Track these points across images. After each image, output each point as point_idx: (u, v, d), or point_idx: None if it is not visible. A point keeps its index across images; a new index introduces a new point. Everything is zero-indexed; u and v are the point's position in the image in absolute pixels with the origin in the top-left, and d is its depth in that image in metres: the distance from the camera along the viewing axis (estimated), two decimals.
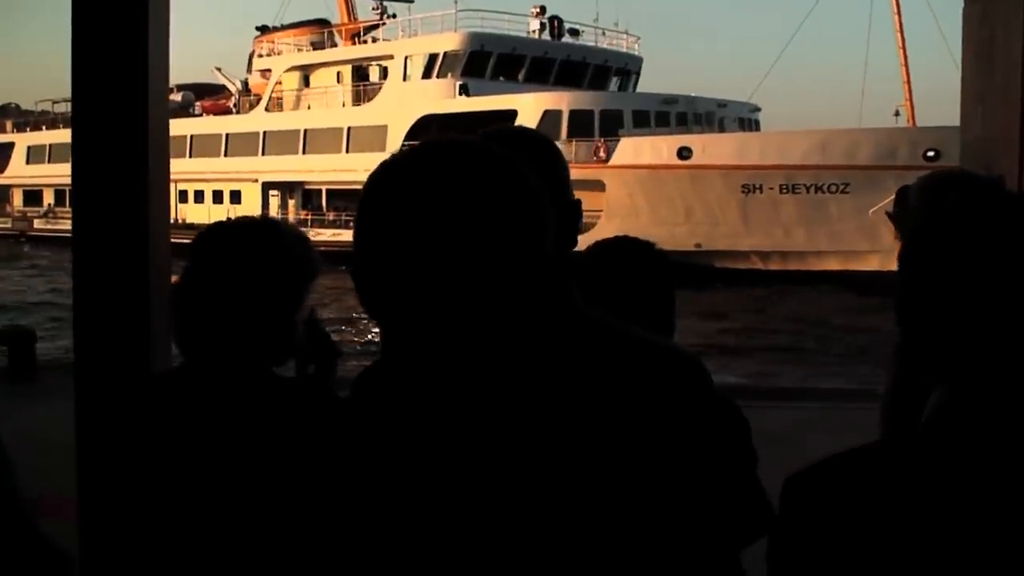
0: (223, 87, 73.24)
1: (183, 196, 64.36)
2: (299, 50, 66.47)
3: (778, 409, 9.92)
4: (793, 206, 44.17)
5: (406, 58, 58.02)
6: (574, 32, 60.46)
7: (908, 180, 4.55)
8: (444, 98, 54.80)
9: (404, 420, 1.96)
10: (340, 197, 58.00)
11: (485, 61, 56.22)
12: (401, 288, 1.84)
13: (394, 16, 64.82)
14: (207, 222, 3.46)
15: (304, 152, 60.53)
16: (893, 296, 1.86)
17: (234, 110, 68.83)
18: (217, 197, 64.53)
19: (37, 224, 72.20)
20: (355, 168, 53.73)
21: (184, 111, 69.31)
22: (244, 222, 3.20)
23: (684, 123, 52.78)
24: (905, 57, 51.42)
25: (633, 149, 47.15)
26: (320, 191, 61.00)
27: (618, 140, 48.32)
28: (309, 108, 63.70)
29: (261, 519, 2.81)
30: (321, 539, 2.05)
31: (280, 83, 65.22)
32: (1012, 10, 4.82)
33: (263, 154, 62.50)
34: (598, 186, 46.77)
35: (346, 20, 68.81)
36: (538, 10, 58.88)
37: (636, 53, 65.08)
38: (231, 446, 2.92)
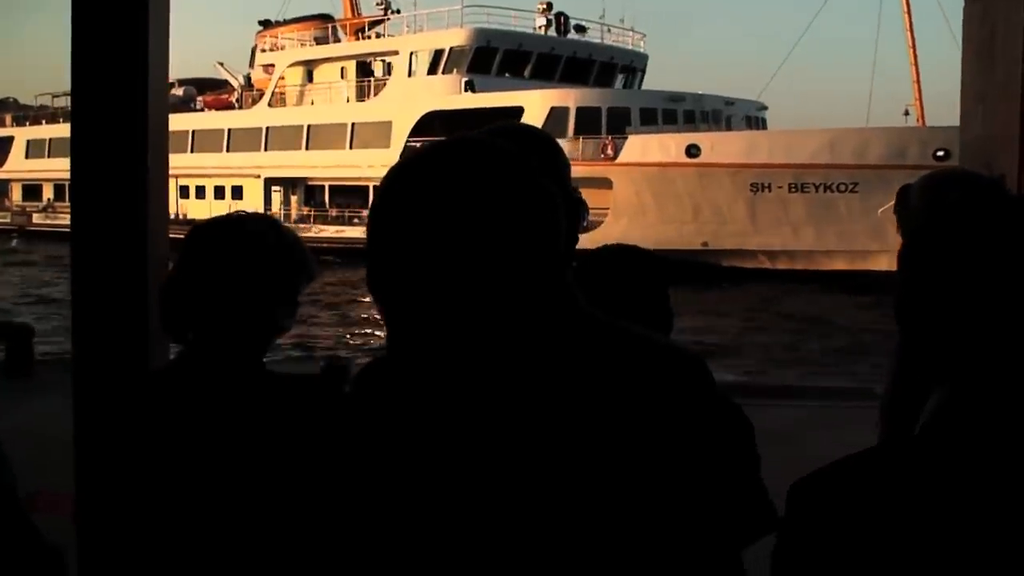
0: (225, 82, 72.94)
1: (184, 191, 64.20)
2: (302, 45, 66.34)
3: (777, 407, 9.93)
4: (802, 205, 44.09)
5: (411, 53, 57.90)
6: (580, 29, 60.43)
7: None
8: (449, 94, 54.71)
9: (409, 415, 1.97)
10: (343, 193, 58.03)
11: (491, 57, 56.17)
12: (414, 286, 1.86)
13: (398, 11, 64.69)
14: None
15: (307, 148, 60.37)
16: (893, 296, 1.88)
17: (236, 105, 68.65)
18: (219, 193, 64.43)
19: (36, 219, 72.04)
20: (359, 164, 53.76)
21: (185, 106, 69.11)
22: (240, 215, 3.26)
23: (691, 121, 52.77)
24: (915, 56, 51.24)
25: (641, 147, 47.11)
26: (323, 187, 60.88)
27: (626, 138, 48.27)
28: (312, 104, 63.57)
29: (259, 514, 2.84)
30: (320, 535, 2.07)
31: (283, 78, 65.13)
32: (1012, 9, 4.84)
33: (266, 150, 62.33)
34: (605, 184, 46.70)
35: (349, 15, 68.71)
36: (544, 6, 58.85)
37: (642, 50, 65.07)
38: (228, 442, 2.95)
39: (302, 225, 57.87)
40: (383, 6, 65.44)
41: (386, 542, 1.93)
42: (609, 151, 47.86)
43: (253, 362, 3.14)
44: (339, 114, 59.88)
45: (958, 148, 6.73)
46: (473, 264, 1.84)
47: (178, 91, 69.58)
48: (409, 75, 57.75)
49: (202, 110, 69.96)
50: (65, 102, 61.10)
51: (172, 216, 47.20)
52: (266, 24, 71.00)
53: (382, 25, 64.73)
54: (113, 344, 4.40)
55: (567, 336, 1.94)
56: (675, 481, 1.90)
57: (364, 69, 61.97)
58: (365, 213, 53.51)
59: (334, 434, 2.16)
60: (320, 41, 66.44)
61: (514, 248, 1.86)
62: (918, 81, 51.29)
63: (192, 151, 63.74)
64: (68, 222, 4.60)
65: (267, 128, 62.74)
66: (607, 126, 49.83)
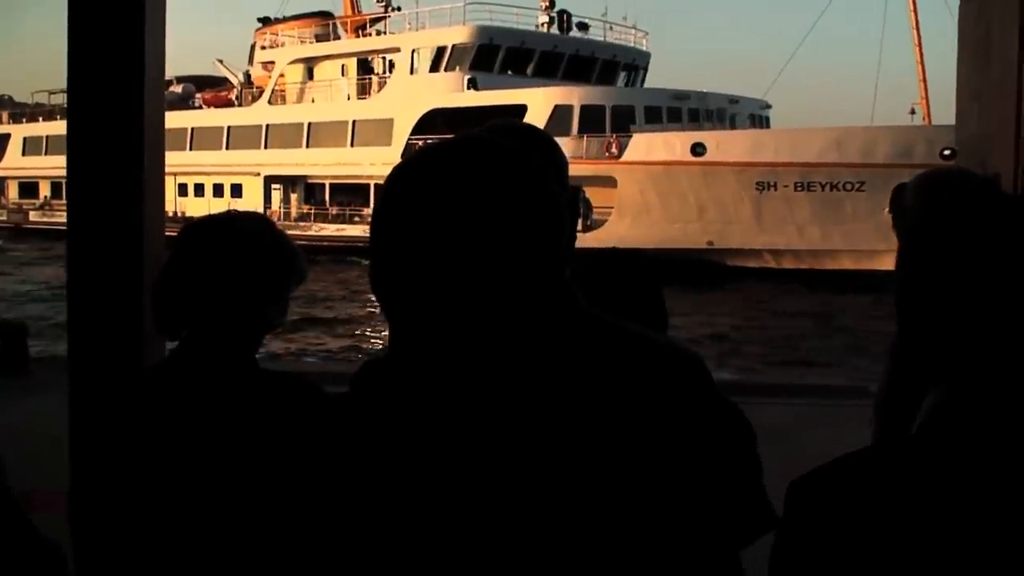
0: (224, 79, 72.95)
1: (183, 189, 64.30)
2: (302, 42, 66.36)
3: (772, 405, 9.95)
4: (808, 204, 44.10)
5: (413, 51, 57.94)
6: (582, 26, 60.51)
7: None
8: (452, 92, 54.77)
9: (409, 413, 1.96)
10: (344, 192, 58.09)
11: (494, 55, 56.22)
12: (417, 285, 1.88)
13: (398, 9, 64.80)
14: None
15: (307, 146, 60.44)
16: (893, 296, 1.90)
17: (236, 102, 68.72)
18: (217, 191, 64.51)
19: (33, 216, 72.14)
20: (360, 162, 53.71)
21: (184, 103, 69.18)
22: (231, 214, 3.32)
23: (696, 119, 52.81)
24: (921, 55, 51.10)
25: (646, 145, 47.17)
26: (323, 185, 60.97)
27: (630, 136, 48.33)
28: (313, 101, 63.62)
29: (253, 511, 2.78)
30: (316, 533, 2.05)
31: (283, 75, 65.16)
32: (1008, 8, 4.87)
33: (266, 147, 62.39)
34: (609, 182, 46.78)
35: (349, 12, 68.77)
36: (547, 3, 58.93)
37: (644, 48, 65.14)
38: (222, 439, 2.98)
39: (302, 223, 57.96)
40: (384, 3, 65.47)
41: (384, 541, 1.92)
42: (613, 149, 47.90)
43: (246, 359, 3.17)
44: (340, 112, 59.93)
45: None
46: (477, 263, 1.85)
47: (176, 88, 69.68)
48: (411, 72, 57.78)
49: (200, 107, 69.98)
50: (61, 99, 61.23)
51: (170, 214, 47.15)
52: (265, 21, 71.07)
53: (383, 22, 64.77)
54: (109, 342, 4.43)
55: (567, 335, 1.95)
56: (674, 480, 1.91)
57: (365, 66, 62.04)
58: (366, 211, 53.45)
59: (331, 432, 2.14)
60: (320, 38, 66.44)
61: (518, 248, 1.87)
62: (924, 80, 51.21)
63: (191, 149, 63.77)
64: (65, 220, 4.64)
65: (267, 126, 62.78)
66: (611, 124, 49.82)
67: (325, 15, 68.51)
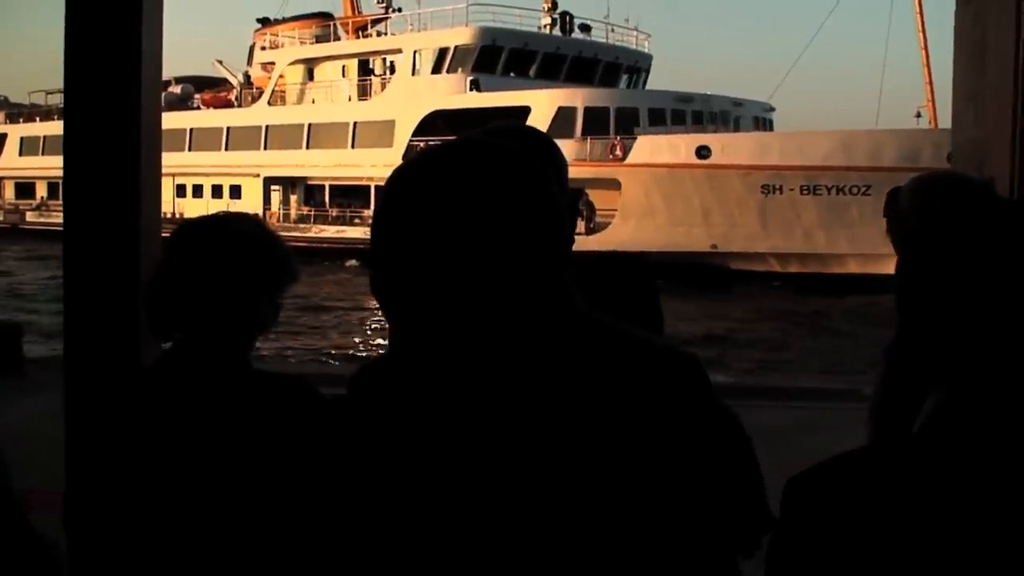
0: (223, 80, 73.10)
1: (181, 190, 64.46)
2: (302, 43, 66.49)
3: (768, 408, 9.97)
4: (813, 208, 44.09)
5: (415, 52, 58.02)
6: (585, 28, 60.68)
7: None
8: (454, 93, 54.84)
9: (408, 414, 1.99)
10: (344, 193, 58.15)
11: (497, 56, 56.29)
12: (418, 286, 1.90)
13: (399, 10, 64.93)
14: None
15: (308, 147, 60.55)
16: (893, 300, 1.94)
17: (235, 103, 68.88)
18: (216, 192, 64.64)
19: (30, 217, 72.25)
20: (361, 164, 53.63)
21: (182, 104, 69.27)
22: (224, 215, 3.35)
23: (700, 122, 52.98)
24: (927, 57, 50.95)
25: (650, 147, 47.20)
26: (323, 187, 61.08)
27: (634, 138, 48.40)
28: (313, 102, 63.73)
29: (249, 511, 2.89)
30: (313, 533, 2.09)
31: (283, 76, 65.24)
32: (1005, 11, 4.90)
33: (265, 148, 62.52)
34: (613, 185, 46.82)
35: (350, 13, 68.86)
36: (550, 5, 59.06)
37: (646, 51, 65.28)
38: (217, 439, 3.00)
39: (302, 225, 57.93)
40: (384, 4, 65.61)
41: (383, 541, 1.95)
42: (618, 152, 47.95)
43: (239, 360, 3.19)
44: (341, 113, 60.02)
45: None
46: (476, 265, 1.88)
47: (175, 89, 69.76)
48: (413, 74, 57.84)
49: (199, 108, 70.11)
50: (58, 99, 61.38)
51: (168, 215, 46.97)
52: (265, 22, 71.17)
53: (383, 24, 64.92)
54: (105, 342, 4.46)
55: (565, 336, 1.97)
56: (671, 481, 1.93)
57: (366, 68, 62.11)
58: (367, 213, 53.26)
59: (328, 433, 2.18)
60: (321, 39, 66.56)
61: (518, 249, 1.90)
62: (931, 83, 51.05)
63: (190, 149, 63.93)
64: (61, 220, 4.65)
65: (267, 127, 62.86)
66: (615, 126, 49.95)
67: (325, 16, 68.60)
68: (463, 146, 2.04)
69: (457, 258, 1.87)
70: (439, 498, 1.91)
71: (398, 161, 2.05)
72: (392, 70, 59.98)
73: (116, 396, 3.27)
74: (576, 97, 51.53)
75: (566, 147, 45.64)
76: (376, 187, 48.06)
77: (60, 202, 4.66)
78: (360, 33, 65.74)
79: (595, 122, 49.95)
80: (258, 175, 62.39)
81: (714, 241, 45.98)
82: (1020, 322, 1.76)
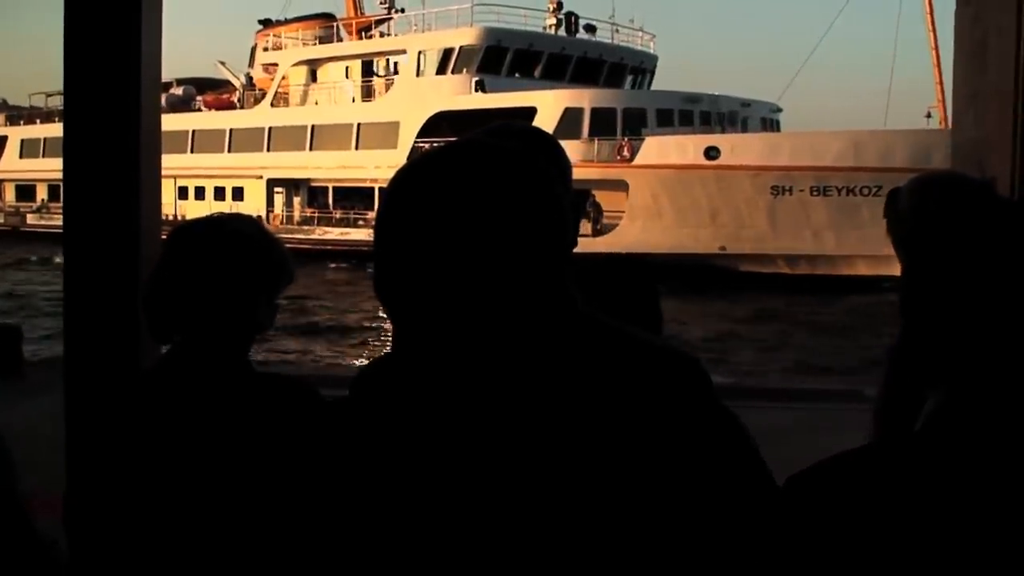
0: (225, 81, 73.22)
1: (183, 192, 64.66)
2: (304, 44, 66.59)
3: (770, 409, 9.98)
4: (823, 209, 44.03)
5: (419, 53, 58.06)
6: (590, 28, 60.81)
7: None
8: (459, 94, 54.92)
9: (410, 415, 1.99)
10: (348, 195, 58.20)
11: (502, 57, 56.36)
12: (421, 287, 1.91)
13: (402, 11, 65.07)
14: None
15: (311, 148, 60.68)
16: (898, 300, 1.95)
17: (238, 105, 68.97)
18: (219, 194, 64.85)
19: (30, 219, 72.39)
20: (365, 165, 53.62)
21: (184, 106, 69.41)
22: (220, 216, 3.34)
23: (707, 123, 52.99)
24: (938, 57, 50.59)
25: (658, 148, 47.18)
26: (327, 188, 61.22)
27: (642, 139, 48.41)
28: (317, 103, 63.83)
29: (251, 516, 2.87)
30: (314, 534, 2.08)
31: (286, 77, 65.31)
32: (1005, 11, 4.93)
33: (268, 150, 62.65)
34: (621, 186, 46.84)
35: (352, 14, 68.97)
36: (554, 5, 59.18)
37: (651, 51, 65.36)
38: (217, 441, 3.01)
39: (305, 227, 57.93)
40: (387, 5, 65.76)
41: (384, 542, 1.95)
42: (625, 153, 47.97)
43: (239, 361, 3.20)
44: (344, 114, 60.10)
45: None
46: (480, 266, 1.89)
47: (176, 90, 69.92)
48: (418, 75, 57.87)
49: (200, 110, 70.25)
50: (59, 101, 61.49)
51: (170, 217, 46.98)
52: (266, 23, 71.29)
53: (386, 24, 65.05)
54: (105, 345, 4.49)
55: (567, 337, 1.98)
56: (671, 481, 1.93)
57: (370, 69, 62.16)
58: (371, 215, 53.39)
59: (329, 433, 2.19)
60: (323, 40, 66.67)
61: (521, 250, 1.91)
62: (940, 83, 50.71)
63: (192, 151, 64.05)
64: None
65: (270, 128, 62.99)
66: (622, 127, 49.97)
67: (328, 17, 68.72)
68: (466, 147, 2.05)
69: (460, 259, 1.89)
70: (440, 499, 1.92)
71: (403, 163, 2.08)
72: (396, 71, 60.05)
73: (117, 398, 3.27)
74: (583, 98, 51.56)
75: (573, 148, 46.01)
76: (380, 189, 48.11)
77: (61, 204, 4.69)
78: (363, 34, 65.79)
79: (602, 123, 49.95)
80: (261, 177, 62.54)
81: (722, 243, 45.94)
82: (1020, 322, 1.78)
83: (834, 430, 4.85)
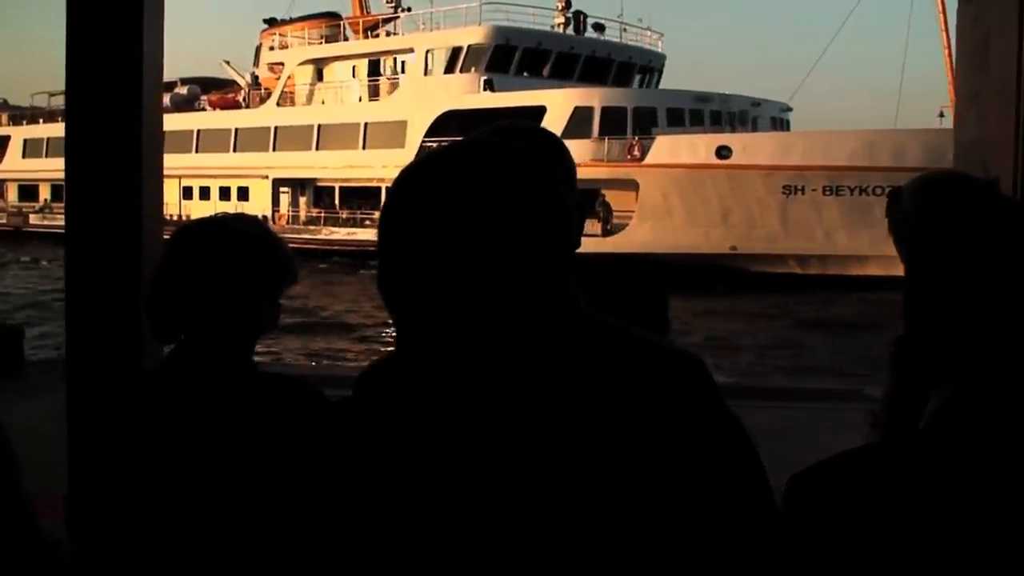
0: (230, 81, 73.27)
1: (187, 192, 64.69)
2: (310, 43, 66.57)
3: (770, 409, 10.00)
4: (836, 208, 43.94)
5: (427, 52, 58.06)
6: (598, 27, 60.77)
7: None
8: (467, 93, 54.88)
9: (412, 417, 2.00)
10: (355, 195, 58.15)
11: (510, 55, 56.31)
12: (424, 286, 1.92)
13: (408, 10, 65.10)
14: None
15: (317, 148, 60.69)
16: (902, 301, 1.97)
17: (243, 104, 68.99)
18: (224, 194, 64.80)
19: (33, 220, 72.36)
20: (372, 165, 53.50)
21: (189, 105, 69.45)
22: (224, 216, 3.37)
23: (718, 122, 52.97)
24: (950, 57, 50.53)
25: (669, 148, 47.13)
26: (333, 188, 61.22)
27: (653, 138, 48.35)
28: (323, 103, 63.84)
29: (255, 516, 2.89)
30: (317, 535, 2.10)
31: (292, 77, 65.32)
32: (1007, 10, 4.95)
33: (274, 150, 62.64)
34: (631, 185, 46.79)
35: (358, 13, 68.90)
36: (563, 4, 59.18)
37: (659, 50, 65.35)
38: (221, 441, 3.04)
39: (312, 227, 57.90)
40: (393, 4, 65.79)
41: (387, 542, 1.97)
42: (636, 152, 47.90)
43: (242, 361, 3.22)
44: (351, 113, 60.10)
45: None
46: (483, 265, 1.90)
47: (181, 90, 69.94)
48: (426, 73, 57.85)
49: (204, 110, 70.29)
50: (62, 101, 61.45)
51: (174, 217, 46.88)
52: (271, 22, 71.26)
53: (393, 23, 64.95)
54: (107, 345, 4.51)
55: (570, 337, 1.99)
56: (673, 481, 1.94)
57: (377, 68, 62.12)
58: (377, 215, 54.11)
59: (333, 433, 2.20)
60: (329, 39, 66.65)
61: (525, 250, 1.93)
62: (953, 83, 50.56)
63: (197, 151, 64.08)
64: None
65: (276, 128, 62.98)
66: (632, 126, 49.92)
67: (333, 16, 68.70)
68: (471, 146, 2.07)
69: (463, 258, 1.90)
70: (443, 499, 1.93)
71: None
72: (403, 70, 59.98)
73: (120, 398, 3.28)
74: (593, 97, 51.53)
75: (583, 147, 45.99)
76: (387, 189, 48.09)
77: (63, 204, 4.73)
78: (369, 33, 65.71)
79: (612, 122, 49.93)
80: (267, 176, 62.51)
81: (733, 243, 45.89)
82: (1022, 321, 1.81)
83: (835, 430, 4.88)
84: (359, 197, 57.28)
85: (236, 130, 65.13)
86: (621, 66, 60.85)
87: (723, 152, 45.68)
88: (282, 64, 66.48)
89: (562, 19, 59.25)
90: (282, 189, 63.03)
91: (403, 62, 60.19)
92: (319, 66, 65.36)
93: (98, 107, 4.58)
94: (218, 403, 3.11)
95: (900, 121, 59.41)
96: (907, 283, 1.96)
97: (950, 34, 50.05)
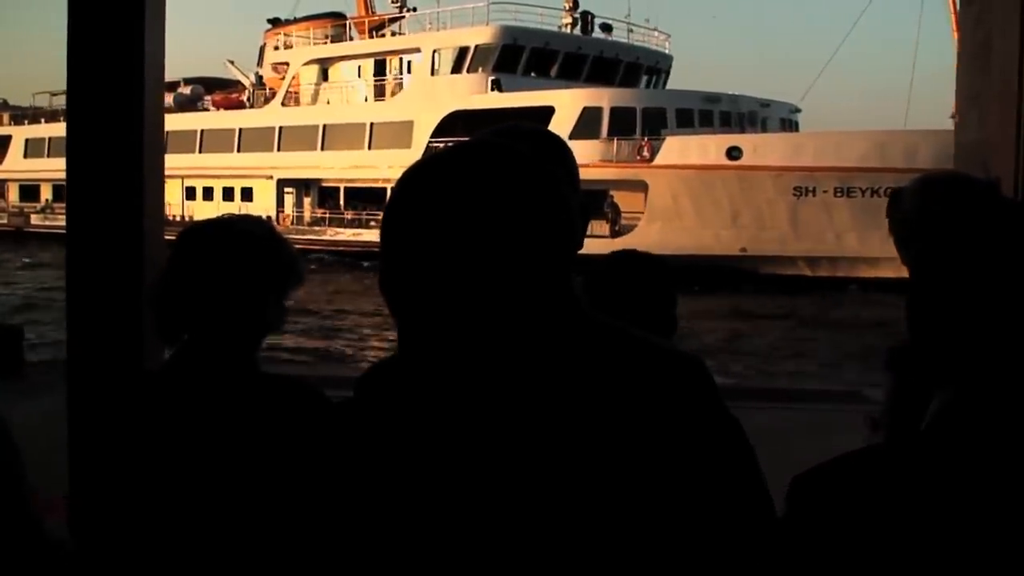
0: (233, 81, 73.21)
1: (190, 193, 64.63)
2: (315, 43, 66.51)
3: (768, 410, 10.03)
4: (847, 210, 43.83)
5: (434, 51, 57.98)
6: (606, 28, 60.75)
7: None
8: (475, 93, 54.81)
9: (414, 418, 2.02)
10: (360, 195, 58.06)
11: (518, 56, 56.23)
12: (426, 287, 1.93)
13: (414, 10, 64.97)
14: None
15: (322, 148, 60.62)
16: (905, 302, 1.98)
17: (247, 104, 68.93)
18: (227, 194, 64.80)
19: (34, 220, 72.31)
20: (377, 165, 53.36)
21: (192, 105, 69.42)
22: (230, 217, 3.42)
23: (727, 123, 52.87)
24: None
25: (679, 148, 47.15)
26: (338, 189, 61.08)
27: (662, 139, 48.32)
28: (328, 103, 63.76)
29: (258, 517, 2.89)
30: (319, 536, 2.10)
31: (296, 77, 65.28)
32: (1008, 12, 4.98)
33: (279, 150, 62.57)
34: (640, 186, 46.72)
35: (363, 13, 68.88)
36: (570, 4, 59.17)
37: (666, 51, 65.28)
38: (224, 442, 3.09)
39: (316, 228, 57.85)
40: (399, 4, 65.63)
41: (389, 543, 1.98)
42: (646, 153, 47.87)
43: (246, 362, 3.27)
44: (357, 113, 60.05)
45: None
46: (486, 267, 1.90)
47: (184, 90, 69.85)
48: (432, 73, 57.77)
49: (208, 110, 70.29)
50: (63, 101, 61.31)
51: (177, 218, 46.67)
52: (275, 22, 71.17)
53: (398, 23, 64.93)
54: (108, 345, 4.54)
55: (572, 338, 2.01)
56: (674, 482, 1.96)
57: (382, 68, 62.00)
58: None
59: (335, 434, 2.21)
60: (334, 40, 66.57)
61: (528, 251, 1.93)
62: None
63: (200, 151, 64.08)
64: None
65: (280, 128, 62.91)
66: (642, 127, 49.81)
67: (338, 16, 68.64)
68: (474, 147, 2.08)
69: (465, 259, 1.90)
70: (444, 500, 1.95)
71: None
72: (409, 70, 59.91)
73: (123, 398, 3.32)
74: (602, 97, 51.48)
75: (591, 148, 45.87)
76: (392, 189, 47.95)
77: (65, 205, 4.77)
78: (374, 33, 65.65)
79: (621, 123, 49.83)
80: (271, 177, 62.43)
81: (743, 244, 45.85)
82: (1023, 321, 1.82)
83: (835, 431, 4.91)
84: (364, 198, 57.13)
85: (240, 130, 65.04)
86: (628, 67, 60.78)
87: (734, 153, 45.64)
88: (286, 64, 66.42)
89: (569, 19, 59.17)
90: (286, 190, 62.95)
91: (409, 62, 60.08)
92: (324, 66, 65.25)
93: (99, 107, 4.61)
94: (221, 404, 3.15)
95: (910, 122, 59.21)
96: (909, 284, 1.97)
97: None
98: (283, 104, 64.92)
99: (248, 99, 69.46)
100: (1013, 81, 5.17)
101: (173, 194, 60.93)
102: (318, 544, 2.11)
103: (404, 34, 63.14)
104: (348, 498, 2.06)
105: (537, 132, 3.05)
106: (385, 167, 52.33)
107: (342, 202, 60.56)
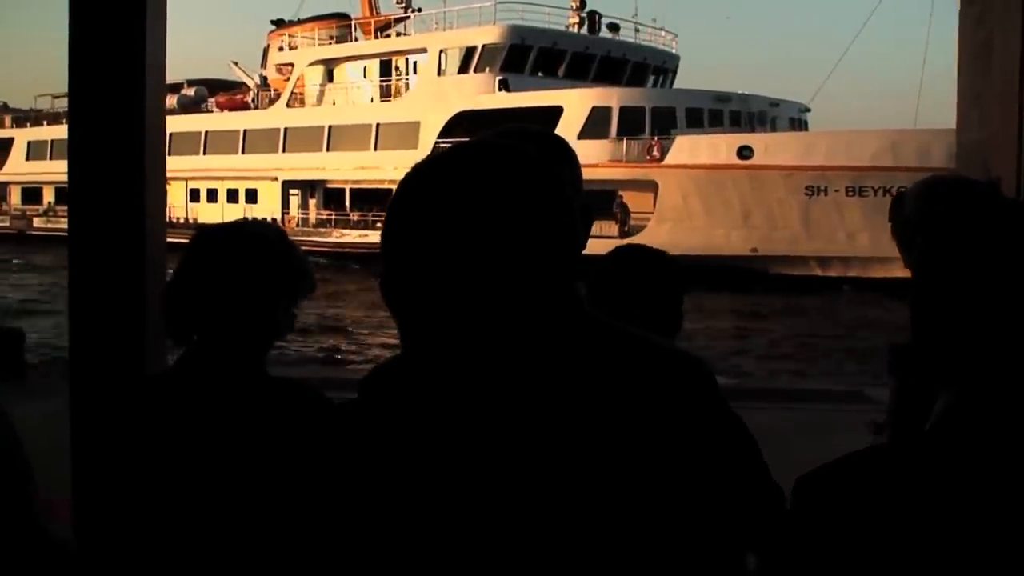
0: (237, 82, 73.20)
1: (195, 195, 64.72)
2: (320, 44, 66.48)
3: (770, 410, 10.05)
4: (859, 209, 43.72)
5: (441, 51, 57.94)
6: (613, 27, 60.71)
7: None
8: (482, 93, 54.74)
9: (416, 418, 2.04)
10: (365, 197, 57.91)
11: (525, 55, 56.17)
12: (428, 288, 1.94)
13: (418, 10, 64.90)
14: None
15: (328, 149, 60.65)
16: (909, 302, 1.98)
17: (252, 105, 68.91)
18: (232, 196, 64.90)
19: (37, 223, 72.27)
20: (383, 166, 53.26)
21: (196, 107, 69.47)
22: (244, 221, 3.51)
23: (737, 122, 52.79)
24: None
25: (690, 148, 47.11)
26: (344, 190, 61.06)
27: (672, 138, 48.29)
28: (334, 103, 63.76)
29: (263, 518, 2.95)
30: (324, 537, 2.12)
31: (301, 77, 65.30)
32: (1009, 12, 5.00)
33: (284, 151, 62.57)
34: (649, 186, 46.66)
35: (367, 13, 68.79)
36: (578, 4, 59.12)
37: (673, 51, 65.27)
38: (231, 445, 3.12)
39: (322, 229, 57.81)
40: (404, 4, 65.66)
41: (393, 543, 2.00)
42: (656, 152, 47.80)
43: (254, 365, 3.30)
44: (363, 114, 60.01)
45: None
46: (488, 268, 1.91)
47: (188, 92, 69.92)
48: (439, 74, 57.71)
49: (212, 111, 70.33)
50: (65, 104, 61.19)
51: (181, 220, 46.54)
52: (279, 23, 71.19)
53: (403, 24, 64.88)
54: (110, 347, 4.56)
55: (574, 339, 2.02)
56: (677, 482, 1.97)
57: (388, 68, 61.99)
58: None
59: (339, 436, 2.22)
60: (339, 40, 66.57)
61: (530, 252, 1.94)
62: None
63: (205, 153, 64.11)
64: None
65: (285, 129, 62.92)
66: (651, 127, 49.79)
67: (342, 17, 68.59)
68: (477, 148, 2.08)
69: (468, 260, 1.91)
70: (447, 501, 1.96)
71: None
72: (415, 70, 59.87)
73: (126, 400, 3.34)
74: (611, 97, 51.44)
75: (600, 148, 45.76)
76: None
77: (67, 207, 4.83)
78: (379, 33, 65.63)
79: (630, 122, 49.79)
80: (276, 178, 62.45)
81: (754, 244, 45.81)
82: None
83: (836, 431, 4.95)
84: (370, 199, 56.91)
85: (245, 131, 65.07)
86: (636, 66, 60.74)
87: (745, 152, 45.57)
88: (291, 65, 66.43)
89: (576, 19, 59.16)
90: (292, 191, 62.97)
91: (415, 62, 60.07)
92: (329, 67, 65.22)
93: (101, 109, 4.64)
94: (227, 407, 3.19)
95: (920, 121, 59.04)
96: (913, 285, 1.98)
97: None
98: (288, 105, 64.92)
99: (252, 100, 69.42)
100: (1014, 81, 5.21)
101: (177, 196, 60.99)
102: (323, 545, 2.13)
103: (409, 35, 63.03)
104: (353, 499, 2.08)
105: (541, 134, 3.06)
106: (391, 168, 52.21)
107: (348, 203, 60.49)
